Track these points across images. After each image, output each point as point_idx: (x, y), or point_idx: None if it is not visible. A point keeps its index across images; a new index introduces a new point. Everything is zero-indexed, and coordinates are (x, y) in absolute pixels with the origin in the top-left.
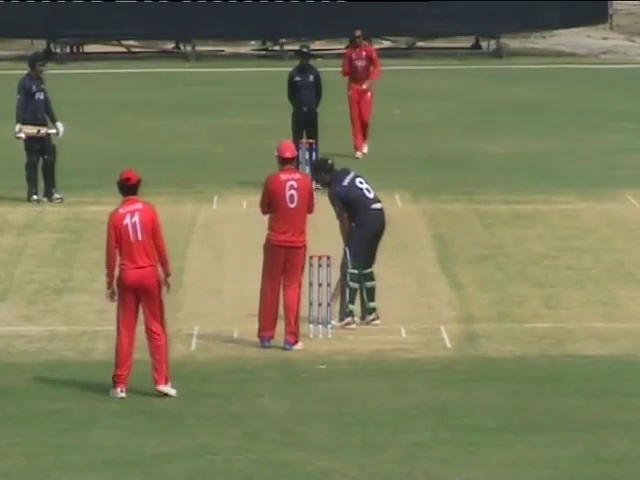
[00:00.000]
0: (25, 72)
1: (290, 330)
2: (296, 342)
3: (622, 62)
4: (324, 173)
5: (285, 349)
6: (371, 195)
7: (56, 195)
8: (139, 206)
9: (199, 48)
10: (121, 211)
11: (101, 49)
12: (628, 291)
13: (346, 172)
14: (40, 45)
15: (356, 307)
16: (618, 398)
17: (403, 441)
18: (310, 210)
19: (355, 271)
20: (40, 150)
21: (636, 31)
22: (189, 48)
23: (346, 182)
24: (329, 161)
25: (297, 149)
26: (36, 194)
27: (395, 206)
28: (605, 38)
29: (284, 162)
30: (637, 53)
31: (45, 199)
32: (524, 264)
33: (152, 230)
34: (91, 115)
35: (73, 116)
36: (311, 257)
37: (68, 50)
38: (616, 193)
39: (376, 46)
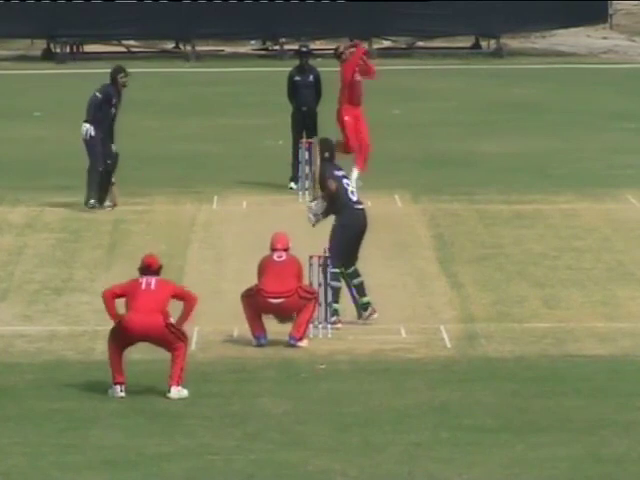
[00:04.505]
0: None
1: (298, 324)
2: (301, 339)
3: (622, 62)
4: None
5: (289, 344)
6: (354, 197)
7: (107, 202)
8: (157, 278)
9: (199, 48)
10: (140, 279)
11: (101, 49)
12: (628, 291)
13: (338, 168)
14: (40, 45)
15: (342, 306)
16: (618, 398)
17: (403, 441)
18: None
19: (336, 270)
20: (103, 154)
21: (636, 31)
22: (189, 48)
23: (337, 174)
24: (326, 154)
25: (297, 149)
26: (93, 198)
27: (395, 206)
28: (605, 38)
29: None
30: (637, 53)
31: (97, 205)
32: (524, 264)
33: (169, 296)
34: None
35: (73, 116)
36: (311, 257)
37: (68, 50)
38: (616, 193)
39: (376, 46)
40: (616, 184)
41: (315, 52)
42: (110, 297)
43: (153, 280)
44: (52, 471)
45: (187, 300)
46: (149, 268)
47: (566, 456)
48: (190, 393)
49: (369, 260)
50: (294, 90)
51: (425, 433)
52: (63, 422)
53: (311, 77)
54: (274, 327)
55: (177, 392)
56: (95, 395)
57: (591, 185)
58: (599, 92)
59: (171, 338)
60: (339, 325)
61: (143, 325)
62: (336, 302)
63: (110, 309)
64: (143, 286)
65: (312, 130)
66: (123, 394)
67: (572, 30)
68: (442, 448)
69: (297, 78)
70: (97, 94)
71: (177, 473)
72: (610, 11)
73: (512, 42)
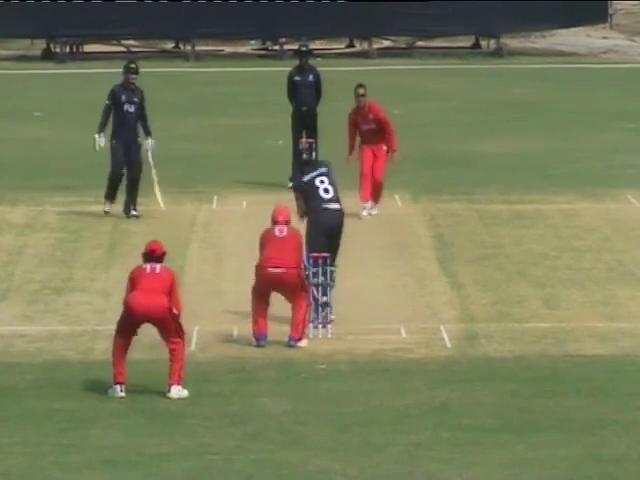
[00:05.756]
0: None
1: (295, 325)
2: (300, 339)
3: (622, 62)
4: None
5: (289, 345)
6: (328, 195)
7: (133, 212)
8: (161, 264)
9: (199, 48)
10: (143, 266)
11: (101, 49)
12: (628, 291)
13: (313, 168)
14: (40, 45)
15: (337, 308)
16: (618, 398)
17: (403, 441)
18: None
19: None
20: (127, 162)
21: (636, 31)
22: (189, 48)
23: (306, 178)
24: (305, 156)
25: (297, 148)
26: (109, 205)
27: (395, 206)
28: (605, 38)
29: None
30: (637, 53)
31: (125, 214)
32: (524, 264)
33: (170, 287)
34: (91, 115)
35: (73, 116)
36: (311, 257)
37: (68, 50)
38: (616, 193)
39: (376, 46)
40: (616, 184)
41: (315, 52)
42: None
43: (158, 265)
44: (52, 471)
45: (173, 303)
46: (153, 254)
47: (566, 456)
48: (190, 393)
49: (369, 260)
50: (294, 90)
51: (425, 433)
52: (63, 422)
53: (311, 77)
54: (274, 327)
55: (177, 392)
56: (95, 395)
57: (591, 185)
58: (599, 92)
59: (171, 325)
60: (332, 317)
61: (147, 304)
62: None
63: None
64: (148, 270)
65: (312, 130)
66: (123, 394)
67: (572, 30)
68: (442, 448)
69: (297, 78)
70: (106, 102)
71: (177, 473)
72: (610, 11)
73: (512, 42)
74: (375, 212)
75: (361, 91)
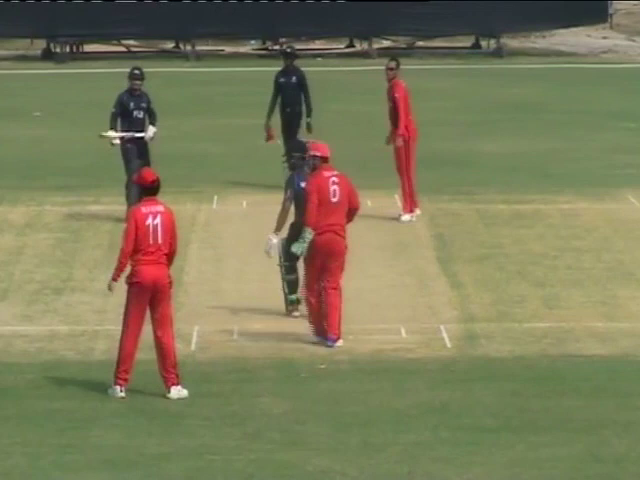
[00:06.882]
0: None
1: (331, 325)
2: (339, 338)
3: (622, 62)
4: (296, 155)
5: (328, 346)
6: None
7: None
8: (160, 208)
9: (199, 48)
10: (144, 210)
11: (101, 49)
12: (628, 291)
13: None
14: (40, 45)
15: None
16: (618, 398)
17: (403, 441)
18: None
19: (287, 263)
20: (143, 165)
21: (636, 31)
22: (189, 48)
23: (303, 185)
24: (296, 154)
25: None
26: None
27: (395, 206)
28: (605, 38)
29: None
30: (637, 53)
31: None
32: (524, 264)
33: (171, 233)
34: (91, 114)
35: (73, 116)
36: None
37: (68, 50)
38: (616, 193)
39: (376, 46)
40: (616, 184)
41: (315, 52)
42: (128, 254)
43: (158, 217)
44: (52, 471)
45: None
46: (154, 185)
47: (566, 456)
48: (190, 393)
49: (369, 260)
50: (280, 91)
51: (425, 433)
52: (63, 422)
53: (294, 78)
54: (274, 326)
55: (177, 392)
56: (95, 395)
57: (591, 185)
58: (599, 92)
59: (167, 297)
60: (296, 313)
61: (155, 274)
62: (293, 293)
63: (123, 265)
64: (151, 228)
65: (297, 131)
66: (123, 394)
67: (572, 30)
68: (442, 448)
69: (281, 80)
70: (112, 109)
71: (177, 473)
72: (610, 11)
73: (512, 42)
74: (408, 217)
75: (390, 65)
